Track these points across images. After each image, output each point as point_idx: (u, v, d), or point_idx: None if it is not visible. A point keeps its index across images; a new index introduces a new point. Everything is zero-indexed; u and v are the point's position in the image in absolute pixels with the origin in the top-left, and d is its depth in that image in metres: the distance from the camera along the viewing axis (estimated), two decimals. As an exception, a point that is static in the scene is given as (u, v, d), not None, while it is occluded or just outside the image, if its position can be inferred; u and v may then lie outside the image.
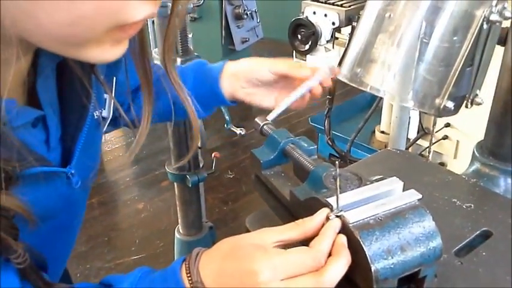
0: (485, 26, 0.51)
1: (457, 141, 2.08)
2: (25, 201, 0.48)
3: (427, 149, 0.85)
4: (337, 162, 0.60)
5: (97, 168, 0.73)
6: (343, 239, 0.52)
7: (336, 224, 0.53)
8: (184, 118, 0.83)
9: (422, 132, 2.19)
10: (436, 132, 2.14)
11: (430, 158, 0.70)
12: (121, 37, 0.48)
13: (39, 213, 0.50)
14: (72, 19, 0.42)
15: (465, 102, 0.58)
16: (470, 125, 2.00)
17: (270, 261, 0.50)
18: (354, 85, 0.57)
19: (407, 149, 1.78)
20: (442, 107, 0.54)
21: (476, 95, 0.57)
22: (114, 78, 0.70)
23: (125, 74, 0.69)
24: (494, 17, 0.50)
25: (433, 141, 1.94)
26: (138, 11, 0.45)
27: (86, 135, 0.63)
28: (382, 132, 2.42)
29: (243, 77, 0.85)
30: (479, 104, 0.57)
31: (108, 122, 0.69)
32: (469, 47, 0.52)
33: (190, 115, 0.70)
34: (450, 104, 0.54)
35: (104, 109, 0.68)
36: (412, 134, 2.14)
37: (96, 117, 0.66)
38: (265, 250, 0.51)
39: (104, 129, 0.70)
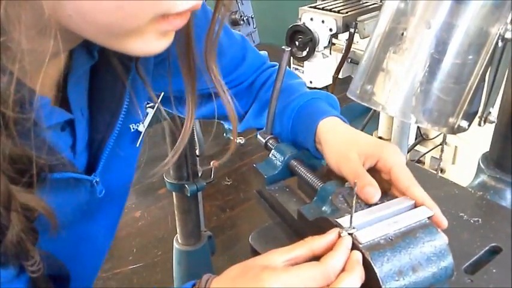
0: (500, 44, 0.50)
1: (456, 146, 2.08)
2: (49, 204, 0.47)
3: (440, 155, 0.84)
4: (355, 181, 0.59)
5: (129, 182, 0.71)
6: (358, 255, 0.51)
7: (349, 241, 0.52)
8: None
9: (420, 138, 2.18)
10: (434, 138, 2.14)
11: (440, 166, 0.69)
12: (166, 29, 0.46)
13: (58, 219, 0.48)
14: (115, 5, 0.41)
15: (478, 120, 0.57)
16: (468, 131, 1.99)
17: (278, 279, 0.48)
18: (364, 104, 0.56)
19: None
20: (456, 126, 0.53)
21: (489, 112, 0.56)
22: (162, 93, 0.68)
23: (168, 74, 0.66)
24: (509, 35, 0.49)
25: (439, 148, 1.94)
26: (182, 1, 0.44)
27: (115, 145, 0.61)
28: (380, 137, 2.41)
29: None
30: (492, 122, 0.56)
31: (142, 137, 0.67)
32: (484, 65, 0.51)
33: (231, 117, 0.68)
34: (464, 124, 0.53)
35: (143, 123, 0.66)
36: (410, 140, 2.14)
37: (132, 130, 0.64)
38: (273, 269, 0.50)
39: (138, 143, 0.67)
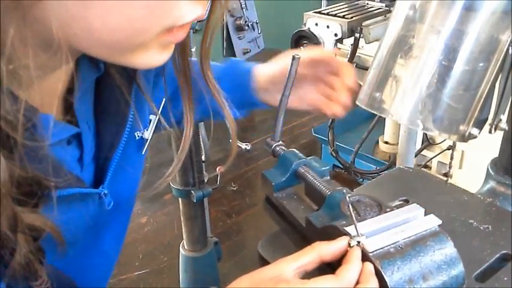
0: (510, 51, 0.50)
1: (462, 151, 2.07)
2: (55, 222, 0.46)
3: (449, 163, 0.83)
4: (344, 190, 0.59)
5: (136, 191, 0.70)
6: (371, 266, 0.51)
7: (359, 252, 0.52)
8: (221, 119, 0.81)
9: (427, 142, 2.18)
10: (441, 143, 2.13)
11: (451, 172, 0.69)
12: (168, 41, 0.47)
13: (66, 234, 0.48)
14: (123, 23, 0.41)
15: (489, 127, 0.56)
16: (475, 135, 1.98)
17: None
18: (374, 112, 0.56)
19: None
20: (467, 134, 0.53)
21: (500, 120, 0.56)
22: (164, 99, 0.68)
23: (163, 80, 0.67)
24: (520, 42, 0.49)
25: (446, 153, 1.93)
26: (188, 12, 0.44)
27: (122, 155, 0.61)
28: (386, 142, 2.40)
29: (277, 83, 0.77)
30: (503, 129, 0.56)
31: (147, 144, 0.67)
32: (494, 72, 0.51)
33: (228, 119, 0.68)
34: (475, 131, 0.53)
35: (147, 130, 0.66)
36: (417, 145, 2.13)
37: (137, 137, 0.64)
38: (288, 282, 0.50)
39: (144, 151, 0.67)
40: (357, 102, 0.59)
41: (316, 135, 2.78)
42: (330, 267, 0.53)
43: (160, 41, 0.46)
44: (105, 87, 0.60)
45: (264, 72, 0.80)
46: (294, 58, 0.70)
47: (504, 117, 0.55)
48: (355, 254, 0.51)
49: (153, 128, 0.67)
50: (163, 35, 0.45)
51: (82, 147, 0.57)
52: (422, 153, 2.20)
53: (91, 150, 0.59)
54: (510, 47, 0.50)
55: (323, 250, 0.53)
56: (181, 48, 0.60)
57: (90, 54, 0.47)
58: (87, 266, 0.65)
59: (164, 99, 0.68)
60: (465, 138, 0.54)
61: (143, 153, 0.67)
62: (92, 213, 0.59)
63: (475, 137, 0.54)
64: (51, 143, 0.48)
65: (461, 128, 0.53)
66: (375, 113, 0.57)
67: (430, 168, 2.21)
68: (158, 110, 0.67)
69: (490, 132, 0.56)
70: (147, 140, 0.66)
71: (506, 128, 0.55)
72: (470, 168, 2.05)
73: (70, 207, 0.55)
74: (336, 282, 0.49)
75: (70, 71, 0.54)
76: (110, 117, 0.60)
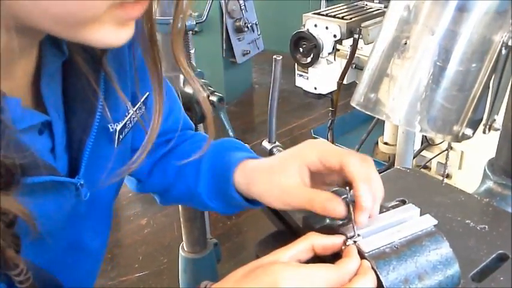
0: (503, 51, 0.50)
1: (462, 151, 2.07)
2: (28, 210, 0.44)
3: (445, 163, 0.84)
4: (347, 188, 0.59)
5: (117, 184, 0.69)
6: (368, 263, 0.52)
7: (356, 249, 0.53)
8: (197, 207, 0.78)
9: (426, 143, 2.18)
10: (440, 143, 2.13)
11: (446, 172, 0.69)
12: (122, 18, 0.45)
13: (45, 226, 0.46)
14: None
15: (483, 128, 0.57)
16: (474, 136, 1.98)
17: (296, 272, 0.48)
18: (368, 113, 0.56)
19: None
20: (460, 134, 0.53)
21: (494, 120, 0.56)
22: (147, 93, 0.67)
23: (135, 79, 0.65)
24: (512, 43, 0.49)
25: (445, 154, 1.93)
26: None
27: (95, 146, 0.59)
28: (386, 143, 2.40)
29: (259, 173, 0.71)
30: (497, 129, 0.56)
31: (116, 136, 0.64)
32: (488, 72, 0.51)
33: (203, 104, 0.65)
34: (469, 132, 0.53)
35: (121, 122, 0.64)
36: (416, 146, 2.13)
37: (111, 130, 0.62)
38: (286, 263, 0.50)
39: (116, 144, 0.65)
40: (352, 103, 0.59)
41: (316, 136, 2.79)
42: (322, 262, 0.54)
43: (114, 17, 0.44)
44: (72, 74, 0.58)
45: (251, 165, 0.72)
46: (275, 60, 0.70)
47: (498, 118, 0.56)
48: (354, 251, 0.52)
49: (126, 122, 0.65)
50: (115, 9, 0.44)
51: (54, 138, 0.56)
52: (421, 154, 2.19)
53: (62, 139, 0.57)
54: (503, 48, 0.50)
55: (316, 240, 0.53)
56: (149, 31, 0.58)
57: (40, 29, 0.45)
58: (71, 264, 0.63)
59: (147, 93, 0.67)
60: (459, 138, 0.54)
61: (115, 146, 0.65)
62: (70, 205, 0.58)
63: (469, 137, 0.54)
64: (21, 129, 0.47)
65: (455, 128, 0.53)
66: (370, 114, 0.57)
67: (430, 169, 2.21)
68: (128, 104, 0.64)
69: (484, 132, 0.56)
70: (120, 132, 0.64)
71: (500, 128, 0.55)
72: (470, 168, 2.05)
73: (46, 198, 0.53)
74: (335, 270, 0.50)
75: (35, 57, 0.52)
76: (78, 105, 0.58)
